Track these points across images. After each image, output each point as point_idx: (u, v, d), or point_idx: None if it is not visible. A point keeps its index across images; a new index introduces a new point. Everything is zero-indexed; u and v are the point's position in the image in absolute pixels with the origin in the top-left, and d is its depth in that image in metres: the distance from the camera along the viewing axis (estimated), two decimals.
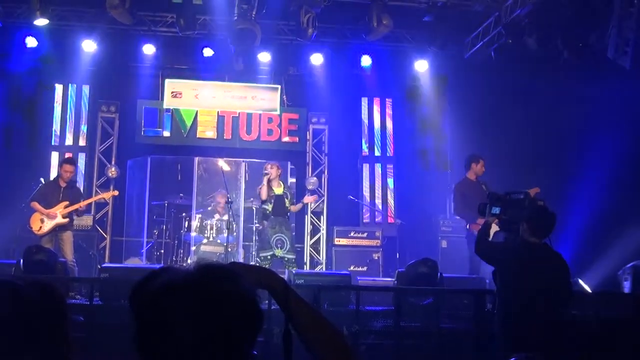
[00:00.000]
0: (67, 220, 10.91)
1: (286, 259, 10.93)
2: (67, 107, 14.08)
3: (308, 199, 12.30)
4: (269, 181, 11.03)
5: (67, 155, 12.76)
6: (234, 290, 1.66)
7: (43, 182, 11.86)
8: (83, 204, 11.17)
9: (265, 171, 11.06)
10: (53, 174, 12.58)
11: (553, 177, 11.93)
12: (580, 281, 10.35)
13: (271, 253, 10.84)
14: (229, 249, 11.82)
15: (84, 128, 14.13)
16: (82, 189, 12.75)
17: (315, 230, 14.40)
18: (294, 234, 11.37)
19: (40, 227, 10.77)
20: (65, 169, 11.08)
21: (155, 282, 1.65)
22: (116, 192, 12.35)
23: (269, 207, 11.02)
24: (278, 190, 11.08)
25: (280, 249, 10.84)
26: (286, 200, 11.10)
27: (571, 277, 5.91)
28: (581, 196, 11.54)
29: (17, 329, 2.09)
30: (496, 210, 6.36)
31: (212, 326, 1.59)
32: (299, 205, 11.78)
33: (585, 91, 11.92)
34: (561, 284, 5.76)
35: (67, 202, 10.89)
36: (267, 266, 10.84)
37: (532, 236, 5.86)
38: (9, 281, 2.24)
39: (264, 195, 11.01)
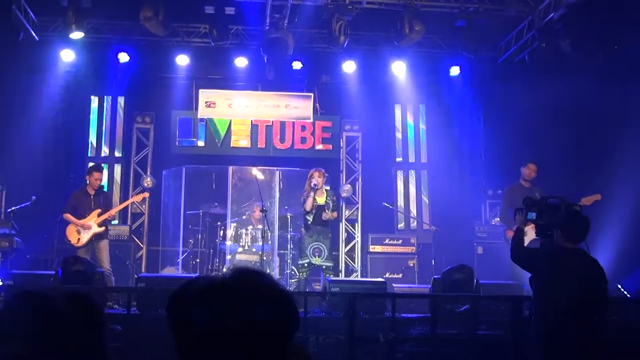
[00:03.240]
0: (103, 228, 10.98)
1: (324, 267, 10.91)
2: (102, 118, 14.27)
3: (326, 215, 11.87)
4: (316, 191, 10.95)
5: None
6: (267, 283, 1.70)
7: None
8: (116, 210, 11.22)
9: (313, 182, 10.83)
10: None
11: (591, 181, 11.78)
12: (620, 287, 10.21)
13: (308, 261, 10.82)
14: (264, 258, 11.83)
15: (119, 139, 14.29)
16: (118, 199, 12.90)
17: (350, 237, 14.38)
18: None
19: (79, 239, 10.86)
20: (95, 176, 11.14)
21: (191, 289, 1.68)
22: (147, 194, 12.45)
23: (311, 217, 10.95)
24: (320, 199, 10.95)
25: (318, 257, 10.82)
26: (327, 210, 10.99)
27: (608, 282, 5.82)
28: (620, 200, 11.39)
29: (51, 340, 2.11)
30: (532, 215, 6.30)
31: (251, 321, 1.61)
32: (332, 215, 11.43)
33: (621, 93, 11.77)
34: (597, 289, 5.68)
35: (99, 210, 10.96)
36: (304, 274, 10.85)
37: (566, 242, 5.79)
38: (43, 293, 2.26)
39: (309, 208, 10.88)
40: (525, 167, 11.08)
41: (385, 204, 13.96)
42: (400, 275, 12.61)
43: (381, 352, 8.12)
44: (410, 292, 10.98)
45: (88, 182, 11.22)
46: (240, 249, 12.46)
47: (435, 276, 10.01)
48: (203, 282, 1.70)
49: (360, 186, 14.55)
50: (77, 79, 13.70)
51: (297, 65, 13.76)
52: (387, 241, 13.02)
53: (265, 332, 1.63)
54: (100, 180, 11.30)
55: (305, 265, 10.84)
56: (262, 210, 11.62)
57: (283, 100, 14.30)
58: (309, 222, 10.94)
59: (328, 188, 11.45)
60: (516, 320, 8.10)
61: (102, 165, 12.28)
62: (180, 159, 13.99)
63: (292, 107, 14.26)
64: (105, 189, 11.97)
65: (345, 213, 14.32)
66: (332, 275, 10.90)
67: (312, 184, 10.83)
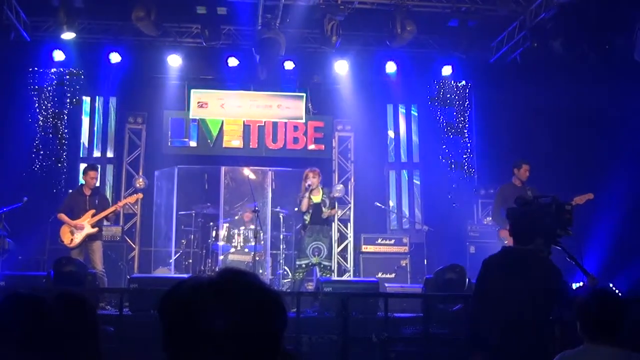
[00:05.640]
0: (96, 229, 10.94)
1: (322, 265, 10.89)
2: (94, 119, 14.25)
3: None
4: (310, 191, 10.94)
5: None
6: (254, 283, 1.71)
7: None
8: (109, 211, 11.15)
9: (308, 182, 10.85)
10: None
11: (581, 180, 11.82)
12: (612, 286, 10.24)
13: (307, 262, 10.81)
14: (257, 258, 11.83)
15: (111, 139, 14.27)
16: (110, 200, 12.86)
17: (342, 237, 14.38)
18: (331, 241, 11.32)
19: (72, 239, 10.82)
20: (90, 175, 11.11)
21: (180, 290, 1.68)
22: (141, 195, 12.40)
23: (308, 217, 10.94)
24: (316, 198, 10.97)
25: (317, 256, 10.81)
26: (323, 208, 11.00)
27: (560, 282, 5.69)
28: (611, 199, 11.42)
29: (44, 341, 2.11)
30: None
31: (238, 321, 1.62)
32: (331, 212, 11.50)
33: (612, 93, 11.81)
34: (545, 291, 5.56)
35: (93, 211, 10.93)
36: (300, 274, 10.85)
37: (515, 242, 5.78)
38: (34, 295, 2.26)
39: (304, 208, 10.87)
40: (520, 168, 11.04)
41: (378, 204, 13.97)
42: (392, 275, 12.61)
43: (374, 352, 8.13)
44: (402, 291, 11.00)
45: (84, 182, 11.21)
46: (232, 250, 12.46)
47: (428, 276, 10.03)
48: (191, 283, 1.71)
49: (352, 186, 14.55)
50: (68, 80, 13.68)
51: (289, 65, 13.76)
52: (379, 241, 13.01)
53: (253, 333, 1.63)
54: (96, 179, 11.28)
55: (303, 266, 10.83)
56: (254, 211, 11.61)
57: (275, 100, 14.29)
58: (306, 222, 10.94)
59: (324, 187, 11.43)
60: None
61: (96, 164, 12.22)
62: (173, 159, 13.96)
63: (285, 107, 14.25)
64: (101, 190, 11.97)
65: (338, 213, 14.31)
66: (329, 275, 10.90)
67: (306, 185, 10.84)
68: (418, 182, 14.69)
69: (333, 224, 13.98)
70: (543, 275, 5.57)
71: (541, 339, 5.43)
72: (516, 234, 5.76)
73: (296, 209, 11.10)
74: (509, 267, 5.65)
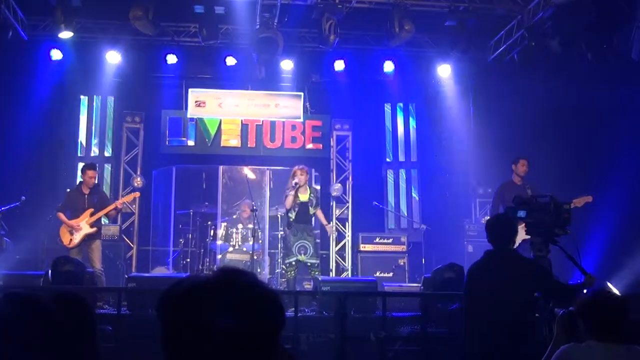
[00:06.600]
0: (95, 229, 10.88)
1: (309, 264, 10.88)
2: (92, 118, 14.22)
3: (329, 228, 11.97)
4: (297, 188, 10.94)
5: None
6: (251, 282, 1.71)
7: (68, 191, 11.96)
8: (108, 209, 11.10)
9: (295, 180, 10.82)
10: None
11: (580, 179, 11.83)
12: (609, 284, 10.26)
13: (295, 259, 10.80)
14: (255, 257, 11.82)
15: (109, 139, 14.25)
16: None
17: (340, 236, 14.37)
18: (318, 240, 11.28)
19: (71, 239, 10.78)
20: (88, 174, 11.06)
21: (178, 289, 1.69)
22: (138, 194, 12.38)
23: (293, 215, 10.92)
24: (304, 197, 10.94)
25: (304, 254, 10.79)
26: (310, 208, 10.99)
27: (543, 282, 5.70)
28: (609, 198, 11.42)
29: (41, 342, 2.11)
30: (522, 213, 6.31)
31: (235, 320, 1.62)
32: (322, 217, 11.56)
33: (610, 93, 11.81)
34: (524, 291, 5.57)
35: (92, 210, 10.89)
36: (292, 272, 10.84)
37: (494, 246, 5.79)
38: (31, 295, 2.25)
39: (289, 205, 10.87)
40: (518, 163, 11.04)
41: (376, 203, 13.98)
42: (390, 274, 12.62)
43: (372, 351, 8.13)
44: (400, 290, 11.00)
45: (83, 181, 11.18)
46: (230, 249, 12.45)
47: (426, 275, 10.03)
48: (189, 282, 1.71)
49: (350, 185, 14.54)
50: (66, 79, 13.66)
51: (287, 64, 13.77)
52: (377, 240, 13.01)
53: (251, 332, 1.63)
54: (95, 178, 11.21)
55: (293, 263, 10.81)
56: (252, 210, 11.60)
57: (273, 99, 14.29)
58: (291, 220, 10.92)
59: (318, 187, 11.42)
60: None
61: (94, 163, 12.19)
62: (171, 158, 13.96)
63: (282, 107, 14.25)
64: (100, 188, 11.93)
65: (336, 212, 14.31)
66: (318, 273, 10.88)
67: (293, 182, 10.82)
68: (416, 181, 14.68)
69: (331, 222, 14.01)
70: (526, 273, 5.61)
71: (536, 337, 5.45)
72: (492, 242, 5.80)
73: None
74: (493, 271, 5.67)
